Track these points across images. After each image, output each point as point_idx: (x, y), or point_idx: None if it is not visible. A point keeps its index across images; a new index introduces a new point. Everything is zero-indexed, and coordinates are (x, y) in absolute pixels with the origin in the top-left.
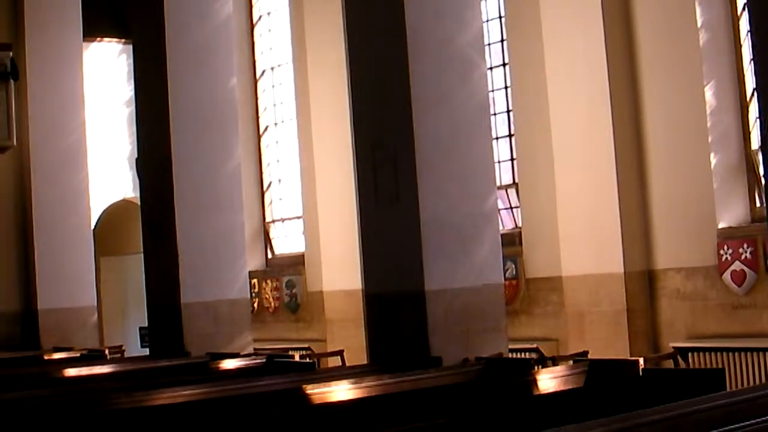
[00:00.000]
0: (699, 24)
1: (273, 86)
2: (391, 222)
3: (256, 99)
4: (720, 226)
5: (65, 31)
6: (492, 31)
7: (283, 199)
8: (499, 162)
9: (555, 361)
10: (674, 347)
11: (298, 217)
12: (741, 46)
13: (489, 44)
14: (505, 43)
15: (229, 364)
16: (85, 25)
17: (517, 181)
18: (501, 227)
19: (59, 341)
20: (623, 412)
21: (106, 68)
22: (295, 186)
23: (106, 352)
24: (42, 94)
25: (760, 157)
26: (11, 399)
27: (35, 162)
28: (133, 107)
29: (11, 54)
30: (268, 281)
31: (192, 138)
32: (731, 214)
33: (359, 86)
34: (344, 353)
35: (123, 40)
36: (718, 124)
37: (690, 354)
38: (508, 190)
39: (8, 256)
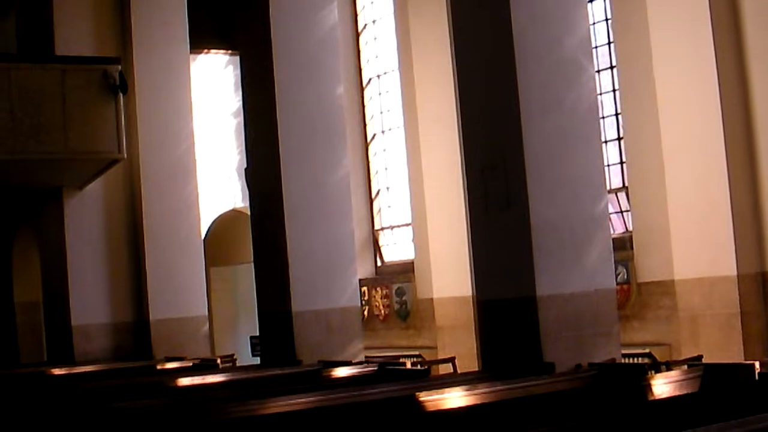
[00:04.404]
0: None
1: (380, 94)
2: (502, 228)
3: (363, 107)
4: None
5: (172, 44)
6: (599, 34)
7: (392, 206)
8: (608, 165)
9: (669, 366)
10: None
11: (407, 225)
12: None
13: (596, 47)
14: (612, 45)
15: (340, 372)
16: (191, 37)
17: (627, 184)
18: (611, 231)
19: (171, 351)
20: (739, 416)
21: (214, 79)
22: (403, 193)
23: (218, 361)
24: (150, 106)
25: None
26: (125, 408)
27: (145, 174)
28: (241, 117)
29: (120, 68)
30: (378, 289)
31: (300, 147)
32: None
33: (467, 92)
34: (455, 360)
35: (230, 52)
36: None
37: None
38: (618, 194)
39: (120, 267)
